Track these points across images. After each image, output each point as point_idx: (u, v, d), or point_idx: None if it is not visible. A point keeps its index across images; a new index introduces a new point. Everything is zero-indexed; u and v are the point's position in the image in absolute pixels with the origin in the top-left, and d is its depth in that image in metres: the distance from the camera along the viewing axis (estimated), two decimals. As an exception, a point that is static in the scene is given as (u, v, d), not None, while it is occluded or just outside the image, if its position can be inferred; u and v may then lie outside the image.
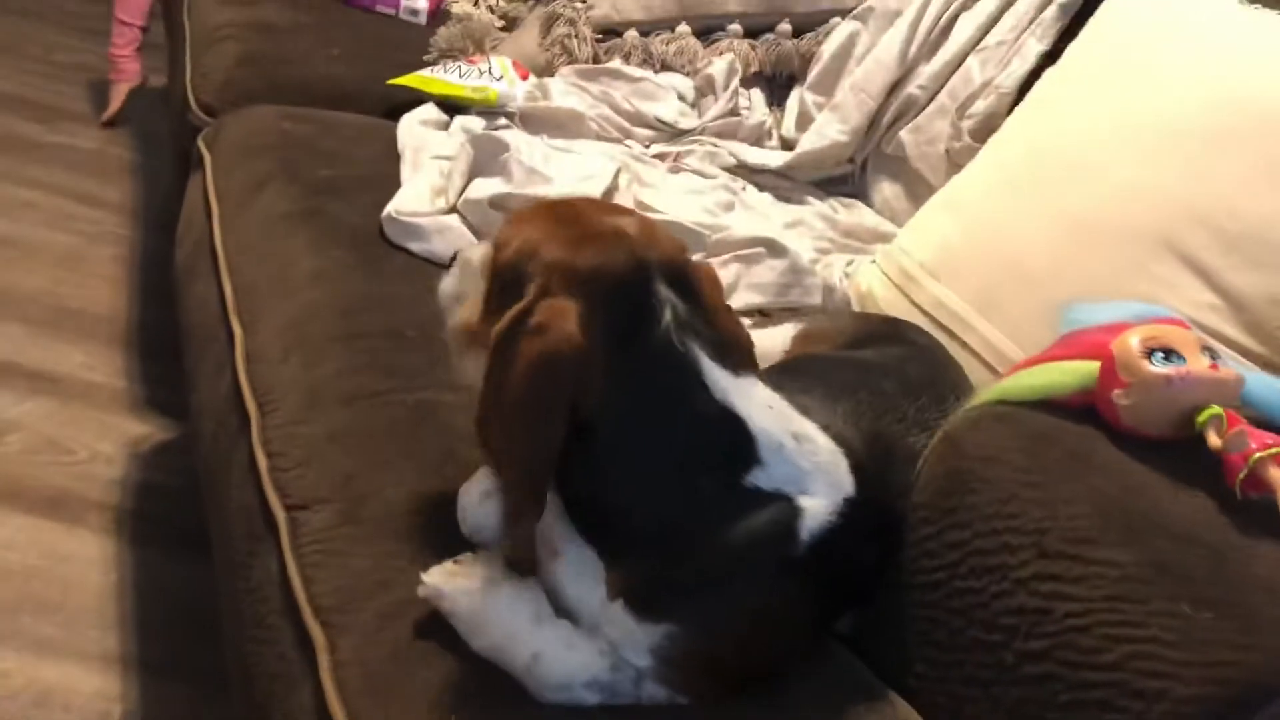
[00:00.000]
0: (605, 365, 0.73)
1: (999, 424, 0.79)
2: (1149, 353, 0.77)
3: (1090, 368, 0.80)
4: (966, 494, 0.78)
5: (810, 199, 1.71)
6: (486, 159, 1.42)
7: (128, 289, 2.13)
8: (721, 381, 0.75)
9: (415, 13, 2.02)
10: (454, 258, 0.87)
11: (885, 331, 1.11)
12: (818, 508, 0.76)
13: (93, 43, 2.90)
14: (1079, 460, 0.77)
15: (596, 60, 1.85)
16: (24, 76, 2.83)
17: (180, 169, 1.74)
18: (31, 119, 2.64)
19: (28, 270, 2.07)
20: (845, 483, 0.79)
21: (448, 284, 0.86)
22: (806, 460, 0.78)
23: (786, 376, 0.88)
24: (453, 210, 1.35)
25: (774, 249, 1.37)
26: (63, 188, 2.38)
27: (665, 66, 1.86)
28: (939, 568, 0.80)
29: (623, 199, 1.46)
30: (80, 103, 2.79)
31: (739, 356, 0.79)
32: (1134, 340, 0.78)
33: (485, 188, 1.34)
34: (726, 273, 1.35)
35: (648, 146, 1.73)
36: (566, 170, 1.42)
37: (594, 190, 1.40)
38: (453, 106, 1.62)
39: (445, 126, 1.58)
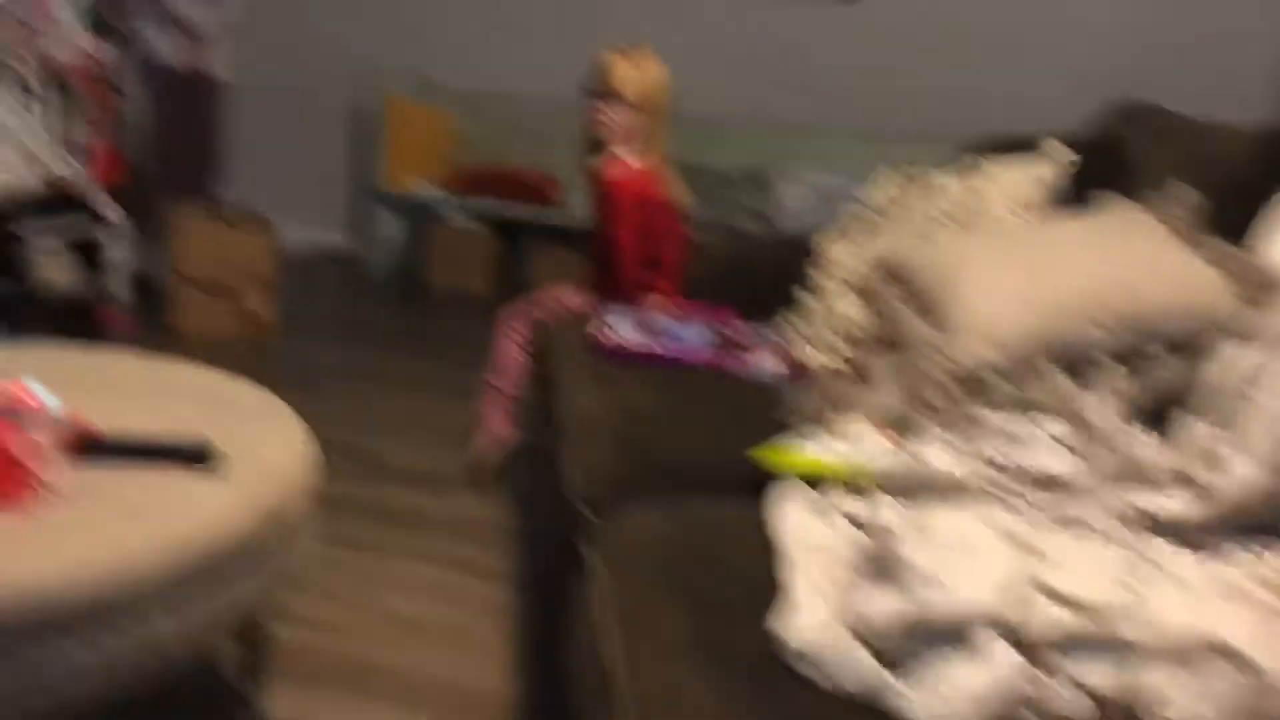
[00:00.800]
0: None
1: None
2: None
3: None
4: None
5: (1235, 551, 1.51)
6: (872, 558, 1.36)
7: (515, 665, 2.19)
8: None
9: (769, 373, 2.07)
10: None
11: None
12: None
13: (467, 404, 3.13)
14: None
15: (960, 411, 1.79)
16: (404, 445, 3.11)
17: (560, 556, 1.81)
18: (412, 487, 2.87)
19: (424, 651, 2.19)
20: None
21: None
22: None
23: None
24: (851, 628, 1.29)
25: (1225, 652, 1.19)
26: (446, 557, 2.55)
27: (1036, 410, 1.77)
28: None
29: (1024, 586, 1.34)
30: (453, 465, 3.00)
31: None
32: None
33: (879, 605, 1.27)
34: (1164, 684, 1.19)
35: (1031, 505, 1.62)
36: (960, 570, 1.32)
37: (993, 591, 1.29)
38: (822, 480, 1.60)
39: (819, 508, 1.56)
